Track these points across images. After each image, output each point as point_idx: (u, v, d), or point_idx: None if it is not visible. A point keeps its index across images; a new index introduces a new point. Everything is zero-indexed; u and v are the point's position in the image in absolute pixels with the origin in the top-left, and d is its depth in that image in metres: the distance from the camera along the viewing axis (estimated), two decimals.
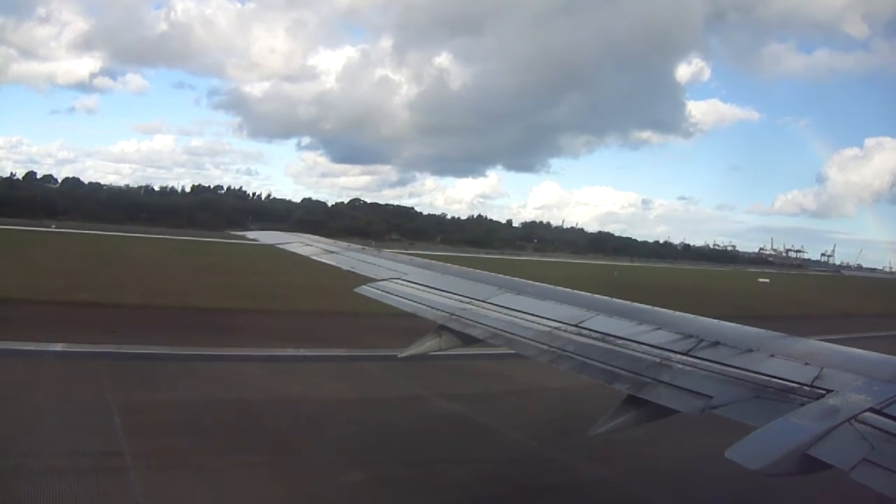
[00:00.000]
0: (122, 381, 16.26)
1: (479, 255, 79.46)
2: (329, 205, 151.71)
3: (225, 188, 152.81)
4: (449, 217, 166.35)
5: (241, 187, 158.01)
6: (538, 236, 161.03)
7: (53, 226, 79.96)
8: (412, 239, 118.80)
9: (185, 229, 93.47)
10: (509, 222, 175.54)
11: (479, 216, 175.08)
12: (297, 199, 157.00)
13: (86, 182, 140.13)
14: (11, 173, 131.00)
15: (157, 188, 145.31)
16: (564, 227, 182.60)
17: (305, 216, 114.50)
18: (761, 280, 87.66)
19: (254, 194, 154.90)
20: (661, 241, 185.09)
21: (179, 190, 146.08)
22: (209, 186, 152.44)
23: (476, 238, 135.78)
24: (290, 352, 20.83)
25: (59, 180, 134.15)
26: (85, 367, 17.46)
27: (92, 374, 16.67)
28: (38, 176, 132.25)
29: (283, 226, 76.93)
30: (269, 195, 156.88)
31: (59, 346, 18.49)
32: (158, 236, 76.44)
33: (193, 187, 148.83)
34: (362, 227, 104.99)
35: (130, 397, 14.90)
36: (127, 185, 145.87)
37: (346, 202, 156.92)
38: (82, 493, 10.03)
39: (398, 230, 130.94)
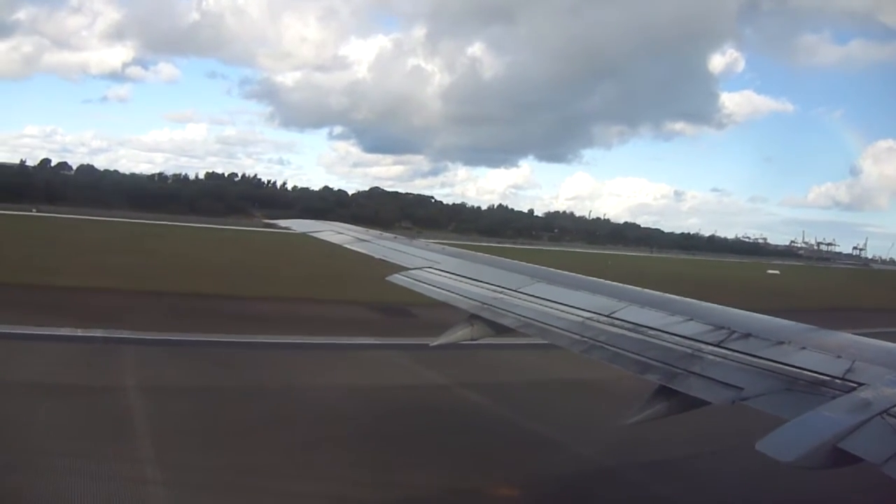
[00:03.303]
0: None
1: (479, 243, 77.41)
2: (350, 194, 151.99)
3: (240, 176, 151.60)
4: (469, 206, 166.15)
5: (255, 175, 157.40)
6: (559, 226, 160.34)
7: (34, 210, 78.69)
8: (424, 227, 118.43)
9: (185, 216, 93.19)
10: (531, 212, 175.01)
11: (500, 205, 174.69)
12: (316, 188, 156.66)
13: (121, 171, 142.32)
14: (22, 160, 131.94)
15: (170, 176, 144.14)
16: (589, 217, 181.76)
17: (316, 204, 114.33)
18: (770, 272, 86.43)
19: (269, 182, 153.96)
20: (689, 233, 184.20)
21: (193, 178, 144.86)
22: (223, 174, 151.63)
23: (489, 227, 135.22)
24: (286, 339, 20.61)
25: (97, 168, 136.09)
26: None
27: None
28: (53, 163, 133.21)
29: (291, 213, 76.65)
30: (283, 183, 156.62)
31: None
32: (159, 223, 76.05)
33: (207, 175, 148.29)
34: (371, 215, 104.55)
35: None
36: (160, 174, 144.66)
37: (366, 190, 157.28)
38: None
39: (411, 218, 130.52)
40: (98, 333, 18.72)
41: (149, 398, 14.20)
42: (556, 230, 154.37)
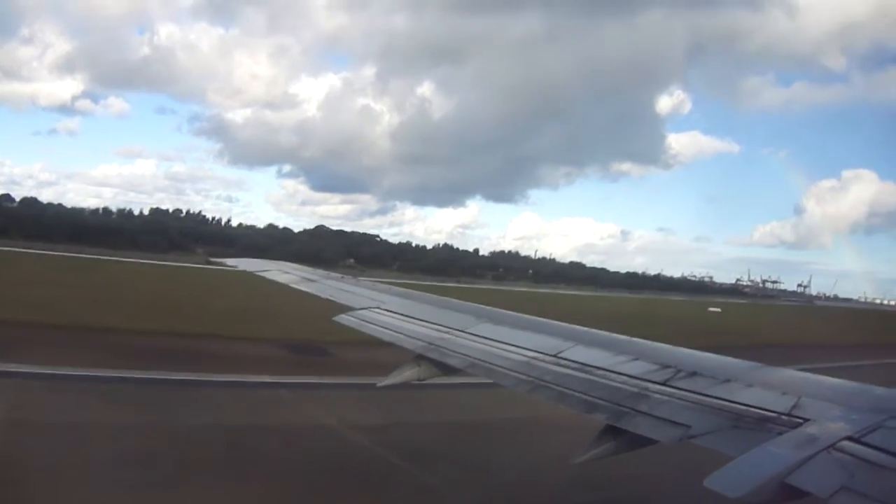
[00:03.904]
0: None
1: (422, 282, 75.48)
2: (295, 231, 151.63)
3: (184, 212, 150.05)
4: (415, 245, 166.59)
5: (200, 211, 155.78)
6: (505, 266, 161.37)
7: None
8: (367, 266, 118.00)
9: (125, 251, 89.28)
10: (476, 251, 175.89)
11: (446, 245, 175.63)
12: (261, 226, 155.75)
13: (68, 205, 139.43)
14: None
15: (114, 210, 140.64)
16: (535, 257, 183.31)
17: (260, 241, 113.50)
18: (711, 309, 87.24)
19: (213, 219, 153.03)
20: (634, 272, 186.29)
21: (137, 213, 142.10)
22: (168, 210, 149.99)
23: (434, 266, 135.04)
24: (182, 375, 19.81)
25: (41, 201, 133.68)
26: None
27: None
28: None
29: (234, 250, 75.72)
30: (228, 220, 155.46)
31: None
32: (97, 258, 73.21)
33: (152, 210, 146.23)
34: (314, 253, 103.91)
35: None
36: (105, 208, 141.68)
37: (311, 228, 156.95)
38: None
39: (355, 256, 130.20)
40: None
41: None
42: (500, 269, 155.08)
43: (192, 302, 36.94)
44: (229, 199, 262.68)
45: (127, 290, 41.63)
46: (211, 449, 13.81)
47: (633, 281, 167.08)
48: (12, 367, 17.94)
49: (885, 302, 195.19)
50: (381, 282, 14.29)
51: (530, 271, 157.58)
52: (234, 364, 21.99)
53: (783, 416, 4.99)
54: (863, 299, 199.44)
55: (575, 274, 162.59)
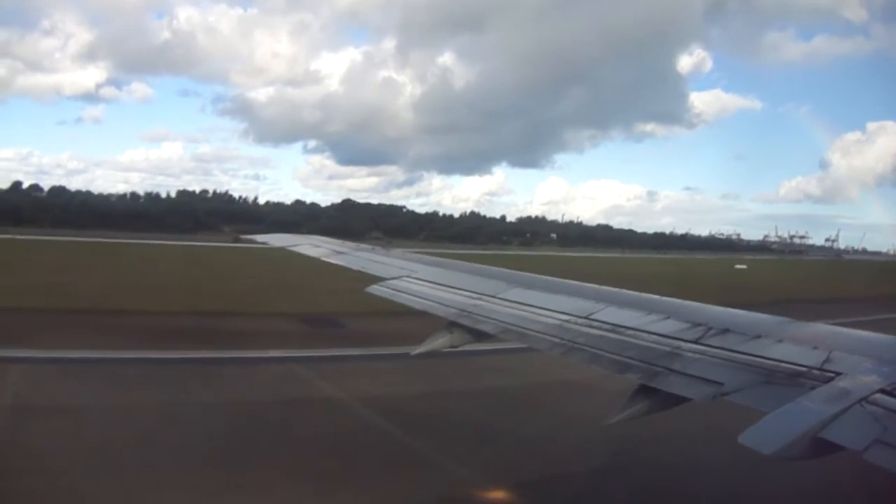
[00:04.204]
0: None
1: (448, 251, 73.68)
2: (323, 206, 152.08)
3: (211, 192, 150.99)
4: (442, 214, 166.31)
5: (226, 191, 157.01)
6: (531, 231, 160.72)
7: None
8: (395, 237, 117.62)
9: (152, 234, 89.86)
10: (503, 217, 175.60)
11: (472, 213, 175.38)
12: (289, 202, 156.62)
13: (97, 191, 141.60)
14: None
15: (142, 194, 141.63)
16: (562, 221, 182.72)
17: (287, 218, 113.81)
18: (738, 267, 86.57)
19: (240, 197, 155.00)
20: (661, 232, 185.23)
21: (164, 196, 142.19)
22: (195, 191, 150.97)
23: (460, 234, 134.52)
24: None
25: (69, 189, 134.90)
26: None
27: None
28: (25, 186, 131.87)
29: (262, 227, 75.97)
30: (255, 199, 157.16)
31: None
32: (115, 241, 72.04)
33: (179, 192, 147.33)
34: (341, 227, 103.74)
35: None
36: (132, 193, 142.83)
37: (338, 203, 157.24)
38: None
39: (382, 228, 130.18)
40: None
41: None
42: (527, 235, 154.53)
43: (227, 280, 36.85)
44: (256, 178, 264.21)
45: (156, 272, 41.42)
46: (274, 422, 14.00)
47: (661, 241, 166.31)
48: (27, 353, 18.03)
49: None
50: (406, 251, 14.28)
51: (553, 235, 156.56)
52: (284, 340, 22.08)
53: (815, 371, 5.01)
54: (892, 252, 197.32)
55: (602, 236, 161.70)
